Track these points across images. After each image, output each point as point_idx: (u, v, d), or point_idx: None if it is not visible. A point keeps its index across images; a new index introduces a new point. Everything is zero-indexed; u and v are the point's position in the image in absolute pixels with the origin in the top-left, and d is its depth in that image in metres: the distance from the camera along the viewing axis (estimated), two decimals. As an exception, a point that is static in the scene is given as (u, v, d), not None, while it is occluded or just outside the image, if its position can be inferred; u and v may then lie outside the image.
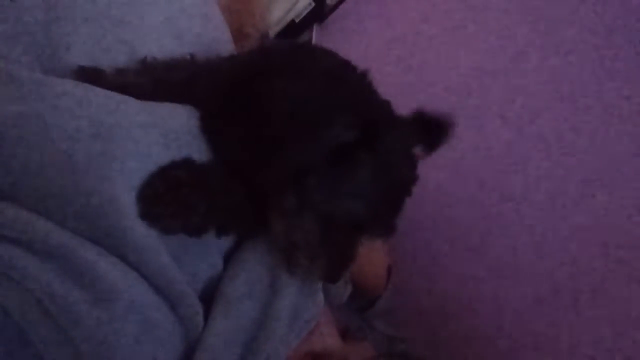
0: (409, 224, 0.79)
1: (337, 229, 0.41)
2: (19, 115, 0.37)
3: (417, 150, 0.47)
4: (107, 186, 0.38)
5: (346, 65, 0.47)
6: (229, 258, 0.47)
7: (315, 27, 1.13)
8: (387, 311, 0.61)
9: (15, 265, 0.35)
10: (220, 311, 0.43)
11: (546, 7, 0.80)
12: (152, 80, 0.48)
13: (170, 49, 0.55)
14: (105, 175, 0.38)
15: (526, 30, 0.81)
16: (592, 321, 0.67)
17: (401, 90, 0.96)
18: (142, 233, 0.39)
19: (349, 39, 1.09)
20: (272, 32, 1.10)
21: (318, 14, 1.10)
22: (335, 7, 1.12)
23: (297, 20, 1.10)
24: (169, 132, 0.43)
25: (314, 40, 1.11)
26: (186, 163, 0.43)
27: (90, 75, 0.46)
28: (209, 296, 0.44)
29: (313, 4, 1.09)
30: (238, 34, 0.95)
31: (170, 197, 0.40)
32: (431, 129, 0.46)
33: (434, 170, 0.81)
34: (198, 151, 0.45)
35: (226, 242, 0.46)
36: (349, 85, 0.44)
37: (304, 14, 1.09)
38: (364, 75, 0.46)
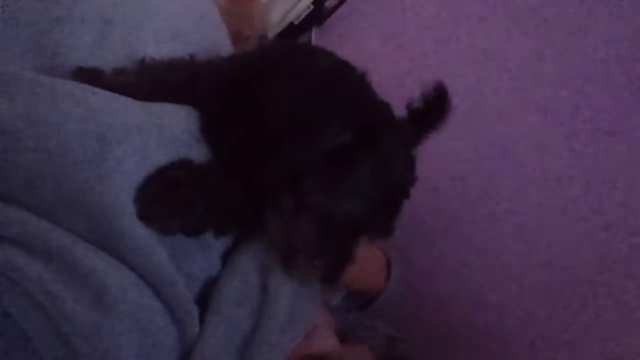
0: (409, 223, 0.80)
1: (335, 230, 0.41)
2: (18, 116, 0.38)
3: (416, 151, 0.47)
4: (105, 187, 0.38)
5: (345, 66, 0.47)
6: (227, 259, 0.47)
7: (314, 30, 1.13)
8: (389, 306, 0.61)
9: (14, 266, 0.35)
10: (215, 314, 0.43)
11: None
12: (151, 81, 0.48)
13: (170, 50, 0.55)
14: (103, 175, 0.38)
15: (529, 32, 0.81)
16: (593, 322, 0.66)
17: (400, 92, 0.97)
18: (140, 234, 0.39)
19: (348, 41, 1.09)
20: (271, 34, 1.10)
21: (317, 16, 1.10)
22: (334, 9, 1.12)
23: (296, 23, 1.10)
24: (167, 133, 0.43)
25: (313, 42, 1.11)
26: (184, 163, 0.43)
27: (89, 76, 0.46)
28: (206, 297, 0.44)
29: (312, 7, 1.09)
30: (237, 36, 0.96)
31: (168, 197, 0.40)
32: (427, 112, 0.46)
33: (431, 169, 0.81)
34: (197, 152, 0.45)
35: (224, 242, 0.46)
36: (347, 86, 0.44)
37: (303, 16, 1.09)
38: (362, 76, 0.46)
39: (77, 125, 0.38)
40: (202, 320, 0.42)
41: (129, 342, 0.37)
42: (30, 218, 0.37)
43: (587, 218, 0.70)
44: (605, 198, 0.69)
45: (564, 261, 0.71)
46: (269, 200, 0.43)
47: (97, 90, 0.43)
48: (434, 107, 0.46)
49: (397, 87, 0.96)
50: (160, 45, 0.55)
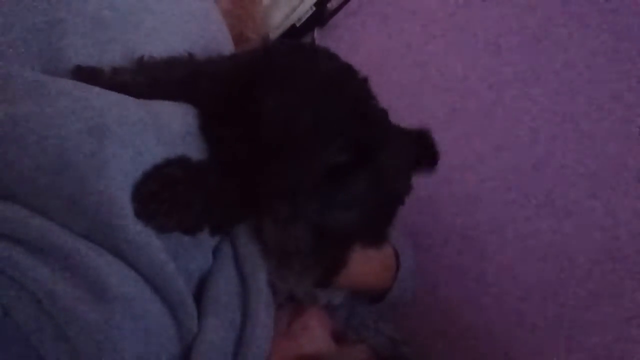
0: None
1: (329, 237, 0.42)
2: (16, 114, 0.38)
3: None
4: (103, 185, 0.38)
5: (347, 71, 0.47)
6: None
7: (316, 31, 1.13)
8: (400, 299, 0.61)
9: (14, 264, 0.36)
10: (212, 311, 0.43)
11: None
12: (150, 79, 0.48)
13: (170, 50, 0.55)
14: (101, 173, 0.38)
15: (531, 31, 0.81)
16: (594, 323, 0.66)
17: (402, 93, 0.97)
18: (138, 231, 0.39)
19: (350, 43, 1.10)
20: (273, 36, 1.10)
21: (319, 18, 1.10)
22: (336, 11, 1.12)
23: (298, 25, 1.10)
24: (165, 131, 0.43)
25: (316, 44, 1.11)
26: (182, 161, 0.43)
27: (88, 75, 0.46)
28: (200, 294, 0.44)
29: (314, 8, 1.09)
30: (239, 38, 0.96)
31: (165, 195, 0.40)
32: (429, 151, 0.47)
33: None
34: (195, 149, 0.45)
35: (216, 238, 0.46)
36: (346, 96, 0.43)
37: (305, 18, 1.09)
38: (363, 81, 0.46)
39: (76, 124, 0.39)
40: (199, 316, 0.43)
41: (129, 339, 0.37)
42: (29, 216, 0.37)
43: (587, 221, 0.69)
44: (613, 204, 0.68)
45: (564, 262, 0.70)
46: (264, 206, 0.43)
47: (95, 88, 0.43)
48: (421, 156, 0.46)
49: (398, 88, 0.97)
50: (159, 45, 0.55)
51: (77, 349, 0.35)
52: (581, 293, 0.67)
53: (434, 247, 0.84)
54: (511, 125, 0.80)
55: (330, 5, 1.11)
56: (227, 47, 0.69)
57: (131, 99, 0.44)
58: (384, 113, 0.46)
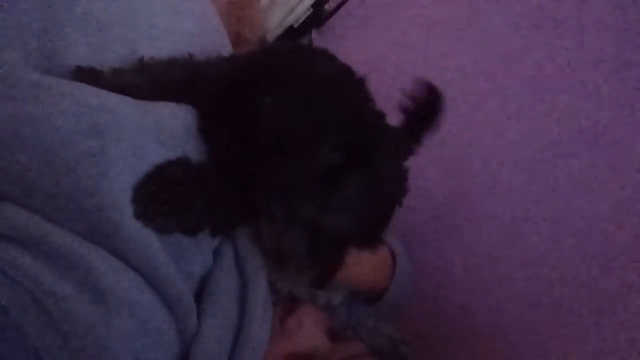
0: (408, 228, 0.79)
1: (324, 240, 0.42)
2: (17, 115, 0.38)
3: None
4: (103, 185, 0.38)
5: (344, 72, 0.47)
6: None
7: (313, 32, 1.13)
8: (397, 299, 0.61)
9: (14, 264, 0.36)
10: (211, 311, 0.43)
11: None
12: (150, 80, 0.48)
13: (169, 51, 0.55)
14: (101, 174, 0.38)
15: (527, 33, 0.81)
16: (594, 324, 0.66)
17: (399, 94, 0.97)
18: (138, 232, 0.39)
19: (347, 44, 1.10)
20: (271, 37, 1.11)
21: (316, 19, 1.11)
22: (333, 12, 1.12)
23: (295, 26, 1.11)
24: (165, 131, 0.43)
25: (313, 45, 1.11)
26: (182, 162, 0.43)
27: (88, 76, 0.46)
28: (199, 293, 0.44)
29: (311, 9, 1.09)
30: (237, 39, 0.96)
31: (166, 196, 0.40)
32: (422, 114, 0.47)
33: (428, 168, 0.81)
34: (194, 150, 0.45)
35: (216, 239, 0.47)
36: (343, 97, 0.43)
37: (303, 19, 1.10)
38: (360, 82, 0.46)
39: (76, 125, 0.39)
40: (198, 315, 0.43)
41: (128, 338, 0.37)
42: (29, 216, 0.37)
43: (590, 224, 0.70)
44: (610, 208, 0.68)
45: (564, 263, 0.70)
46: (260, 208, 0.44)
47: (96, 89, 0.43)
48: (428, 109, 0.46)
49: (396, 89, 0.97)
50: (159, 46, 0.55)
51: (77, 348, 0.35)
52: (584, 295, 0.68)
53: (435, 247, 0.84)
54: (510, 125, 0.81)
55: (328, 7, 1.12)
56: (224, 48, 0.69)
57: (131, 99, 0.44)
58: (380, 115, 0.46)
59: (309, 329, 0.50)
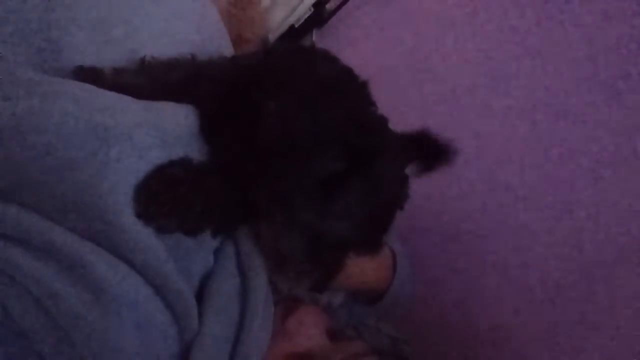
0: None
1: (324, 245, 0.42)
2: (17, 115, 0.38)
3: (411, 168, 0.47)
4: (104, 185, 0.38)
5: (346, 75, 0.47)
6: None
7: (315, 32, 1.13)
8: (397, 300, 0.61)
9: (14, 264, 0.36)
10: (212, 310, 0.43)
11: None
12: (151, 80, 0.48)
13: (169, 50, 0.55)
14: (102, 174, 0.38)
15: (536, 33, 0.81)
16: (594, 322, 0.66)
17: (399, 95, 0.97)
18: (139, 232, 0.39)
19: (349, 43, 1.10)
20: (272, 37, 1.11)
21: (317, 19, 1.11)
22: (334, 11, 1.12)
23: (296, 26, 1.11)
24: (166, 131, 0.43)
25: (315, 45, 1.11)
26: (183, 162, 0.43)
27: (89, 75, 0.46)
28: (200, 293, 0.44)
29: (312, 9, 1.09)
30: (238, 40, 0.96)
31: (167, 196, 0.40)
32: (431, 151, 0.46)
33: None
34: (196, 151, 0.45)
35: (217, 239, 0.46)
36: (345, 102, 0.43)
37: (304, 19, 1.10)
38: (363, 85, 0.46)
39: (77, 124, 0.38)
40: (199, 315, 0.43)
41: (128, 337, 0.37)
42: (29, 216, 0.37)
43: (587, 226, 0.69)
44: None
45: (563, 263, 0.70)
46: (261, 211, 0.44)
47: (96, 89, 0.43)
48: (436, 154, 0.46)
49: (397, 89, 0.97)
50: (160, 46, 0.55)
51: (78, 348, 0.35)
52: (585, 295, 0.68)
53: (435, 247, 0.84)
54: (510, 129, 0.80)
55: (329, 6, 1.12)
56: (226, 49, 0.69)
57: (132, 99, 0.44)
58: (382, 120, 0.46)
59: (309, 329, 0.50)
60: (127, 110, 0.42)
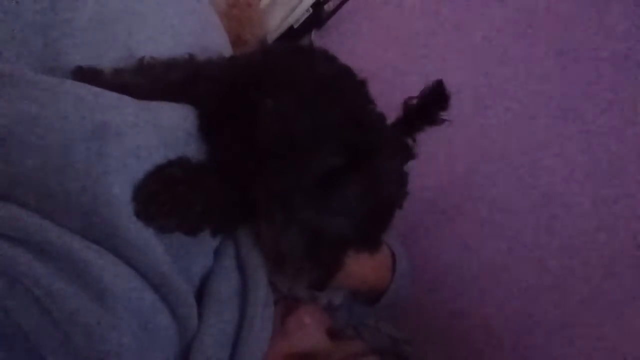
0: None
1: (323, 242, 0.42)
2: (17, 115, 0.38)
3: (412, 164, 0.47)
4: (104, 185, 0.38)
5: (345, 73, 0.47)
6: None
7: (313, 33, 1.13)
8: (397, 300, 0.61)
9: (14, 264, 0.36)
10: (212, 310, 0.43)
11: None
12: (150, 80, 0.48)
13: (168, 51, 0.55)
14: (102, 174, 0.38)
15: (533, 32, 0.81)
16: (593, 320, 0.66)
17: (399, 95, 0.97)
18: (139, 231, 0.39)
19: (347, 44, 1.10)
20: (271, 38, 1.11)
21: (316, 19, 1.11)
22: (333, 12, 1.12)
23: (295, 26, 1.11)
24: (165, 132, 0.43)
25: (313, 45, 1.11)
26: (182, 162, 0.43)
27: (89, 75, 0.46)
28: (200, 293, 0.44)
29: (311, 10, 1.09)
30: (236, 40, 0.96)
31: (166, 196, 0.40)
32: (424, 107, 0.46)
33: (428, 167, 0.82)
34: (195, 150, 0.45)
35: (218, 238, 0.47)
36: (343, 99, 0.43)
37: (303, 19, 1.10)
38: (361, 84, 0.46)
39: (76, 124, 0.39)
40: (199, 315, 0.43)
41: (128, 337, 0.37)
42: (29, 216, 0.37)
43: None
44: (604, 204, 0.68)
45: (563, 262, 0.70)
46: (260, 210, 0.44)
47: (96, 89, 0.43)
48: (431, 102, 0.46)
49: (396, 90, 0.97)
50: (158, 46, 0.55)
51: (77, 347, 0.35)
52: (585, 295, 0.68)
53: (436, 247, 0.84)
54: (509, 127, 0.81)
55: (328, 7, 1.12)
56: (224, 49, 0.70)
57: (132, 99, 0.44)
58: (381, 117, 0.46)
59: (309, 328, 0.50)
60: (127, 110, 0.42)
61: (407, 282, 0.64)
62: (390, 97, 0.46)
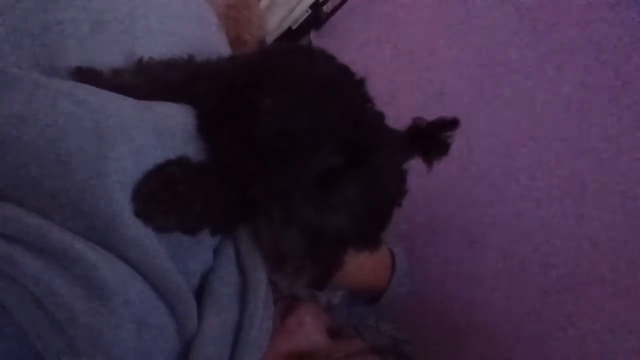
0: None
1: (323, 241, 0.42)
2: (16, 115, 0.38)
3: (412, 162, 0.46)
4: (103, 185, 0.38)
5: (343, 72, 0.47)
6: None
7: (312, 34, 1.14)
8: (396, 300, 0.61)
9: (13, 263, 0.36)
10: (211, 309, 0.43)
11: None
12: (149, 80, 0.48)
13: (167, 51, 0.55)
14: (101, 174, 0.38)
15: (530, 32, 0.82)
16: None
17: (396, 95, 0.97)
18: (138, 231, 0.39)
19: (346, 45, 1.10)
20: (270, 39, 1.11)
21: (314, 20, 1.12)
22: (331, 13, 1.13)
23: (294, 27, 1.11)
24: (165, 131, 0.43)
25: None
26: (182, 162, 0.43)
27: (87, 76, 0.46)
28: (199, 292, 0.44)
29: (309, 11, 1.10)
30: (235, 42, 0.96)
31: (165, 195, 0.40)
32: (429, 140, 0.46)
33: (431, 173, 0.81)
34: (194, 150, 0.45)
35: (217, 237, 0.46)
36: (342, 98, 0.43)
37: (301, 20, 1.10)
38: (360, 83, 0.46)
39: (76, 125, 0.39)
40: (198, 314, 0.43)
41: (128, 336, 0.37)
42: (28, 215, 0.37)
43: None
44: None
45: (564, 262, 0.70)
46: (260, 208, 0.44)
47: (95, 89, 0.43)
48: (435, 141, 0.45)
49: (393, 90, 0.97)
50: (157, 46, 0.55)
51: (76, 347, 0.35)
52: (585, 295, 0.68)
53: (436, 247, 0.84)
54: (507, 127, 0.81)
55: (326, 8, 1.12)
56: (223, 50, 0.70)
57: (131, 100, 0.44)
58: (379, 116, 0.46)
59: (309, 327, 0.50)
60: (126, 110, 0.42)
61: (407, 282, 0.64)
62: (386, 99, 0.46)
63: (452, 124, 0.45)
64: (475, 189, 0.82)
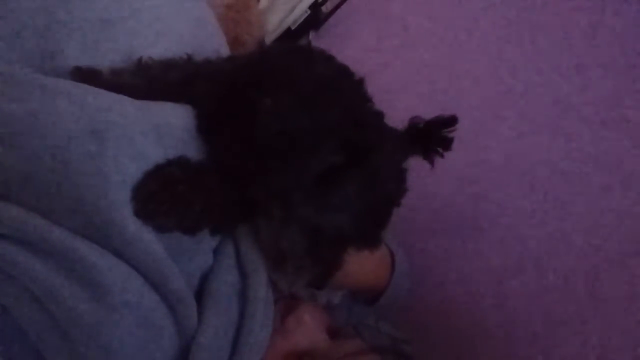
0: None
1: (323, 240, 0.42)
2: (16, 115, 0.38)
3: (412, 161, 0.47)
4: (103, 185, 0.38)
5: (342, 72, 0.47)
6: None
7: (311, 34, 1.14)
8: (395, 300, 0.61)
9: (14, 263, 0.36)
10: (211, 309, 0.43)
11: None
12: (149, 80, 0.48)
13: (167, 51, 0.55)
14: (101, 174, 0.38)
15: (529, 34, 0.82)
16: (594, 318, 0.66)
17: (395, 95, 0.97)
18: (138, 231, 0.39)
19: (345, 45, 1.10)
20: (269, 40, 1.11)
21: (314, 20, 1.11)
22: (330, 13, 1.13)
23: (293, 28, 1.11)
24: (164, 131, 0.44)
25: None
26: (181, 161, 0.43)
27: (87, 76, 0.46)
28: (199, 292, 0.45)
29: (309, 11, 1.10)
30: (234, 42, 0.96)
31: (165, 195, 0.40)
32: (428, 138, 0.46)
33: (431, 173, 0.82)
34: (193, 150, 0.45)
35: (217, 237, 0.47)
36: (341, 98, 0.43)
37: (300, 21, 1.10)
38: (359, 83, 0.46)
39: (75, 124, 0.39)
40: (198, 314, 0.43)
41: (128, 336, 0.37)
42: (29, 215, 0.37)
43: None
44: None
45: (563, 261, 0.71)
46: (260, 208, 0.44)
47: (94, 89, 0.43)
48: (434, 139, 0.46)
49: (392, 90, 0.97)
50: (157, 47, 0.55)
51: (77, 346, 0.35)
52: (584, 295, 0.68)
53: (436, 247, 0.84)
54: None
55: (325, 8, 1.12)
56: (222, 50, 0.70)
57: (130, 100, 0.44)
58: (379, 115, 0.46)
59: (309, 327, 0.50)
60: (125, 110, 0.42)
61: (407, 282, 0.64)
62: (385, 99, 0.46)
63: (450, 121, 0.45)
64: (479, 189, 0.82)
